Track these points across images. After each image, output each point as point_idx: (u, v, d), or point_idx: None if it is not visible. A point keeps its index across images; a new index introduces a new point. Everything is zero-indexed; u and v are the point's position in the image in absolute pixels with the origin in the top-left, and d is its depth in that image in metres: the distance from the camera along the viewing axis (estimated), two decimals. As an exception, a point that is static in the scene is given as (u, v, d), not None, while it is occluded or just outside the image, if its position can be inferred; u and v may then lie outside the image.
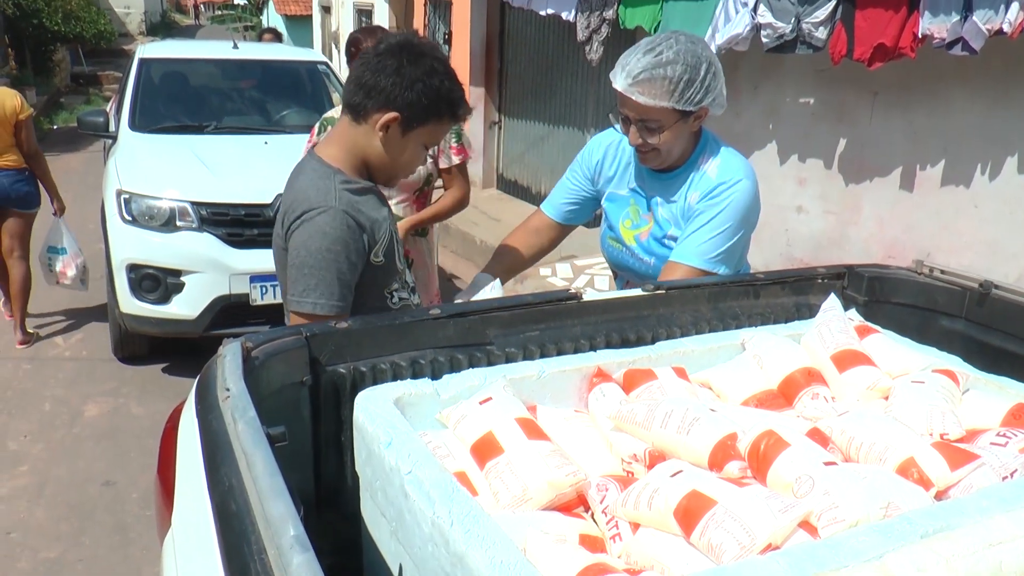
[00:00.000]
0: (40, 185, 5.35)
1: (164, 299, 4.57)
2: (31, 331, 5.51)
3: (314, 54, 7.65)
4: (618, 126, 2.15)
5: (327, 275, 1.76)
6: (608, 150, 2.31)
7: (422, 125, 1.84)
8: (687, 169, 2.14)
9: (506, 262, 2.42)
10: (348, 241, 1.78)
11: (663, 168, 2.14)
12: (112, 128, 5.86)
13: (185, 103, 6.14)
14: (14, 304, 5.37)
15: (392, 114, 1.81)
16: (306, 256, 1.76)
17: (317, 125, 3.52)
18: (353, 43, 3.38)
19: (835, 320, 1.76)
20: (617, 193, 2.29)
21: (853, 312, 1.91)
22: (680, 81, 1.94)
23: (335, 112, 3.34)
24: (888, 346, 1.74)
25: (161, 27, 38.65)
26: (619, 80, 1.99)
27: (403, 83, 1.79)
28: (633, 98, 1.97)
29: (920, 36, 4.09)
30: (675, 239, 2.15)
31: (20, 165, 5.18)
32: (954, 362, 1.70)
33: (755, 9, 4.79)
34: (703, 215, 2.07)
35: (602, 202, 2.36)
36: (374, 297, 1.90)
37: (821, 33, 4.53)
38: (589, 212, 2.45)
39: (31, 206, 5.34)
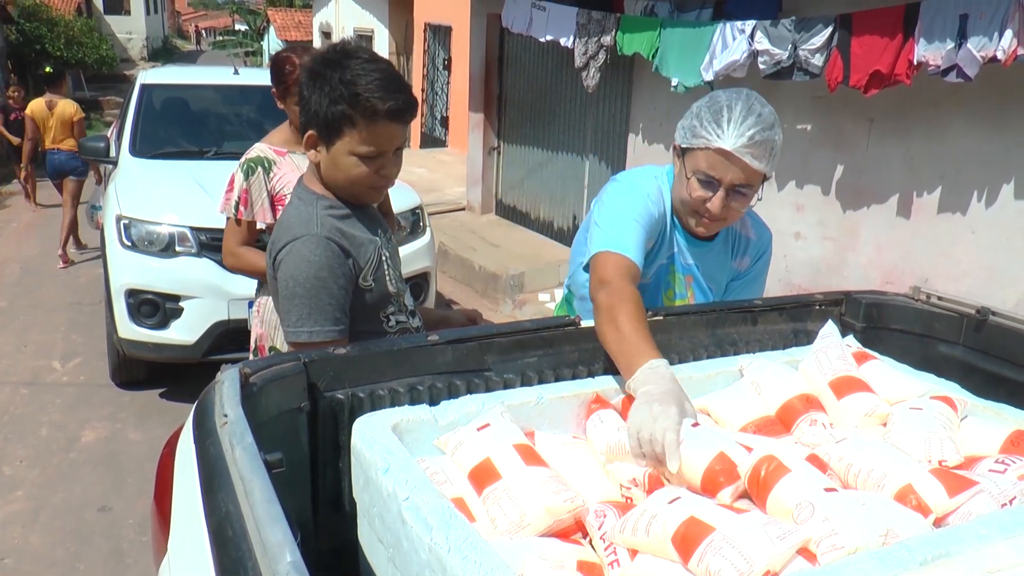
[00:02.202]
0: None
1: (162, 324, 4.57)
2: (71, 252, 8.03)
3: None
4: (663, 183, 2.04)
5: (318, 302, 1.76)
6: (660, 204, 2.05)
7: (339, 135, 1.76)
8: (723, 232, 2.11)
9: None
10: (334, 266, 1.77)
11: (699, 235, 2.06)
12: (113, 153, 5.89)
13: (186, 128, 6.17)
14: (62, 235, 7.94)
15: (308, 132, 1.80)
16: (295, 286, 1.76)
17: (240, 169, 2.82)
18: (285, 62, 2.81)
19: (833, 346, 1.76)
20: (660, 263, 2.10)
21: (851, 338, 1.91)
22: (778, 145, 1.88)
23: (258, 151, 2.84)
24: (886, 372, 1.74)
25: (163, 53, 38.95)
26: (728, 140, 1.83)
27: (308, 98, 1.77)
28: (746, 160, 1.83)
29: (915, 63, 4.13)
30: None
31: (75, 149, 8.21)
32: (952, 388, 1.70)
33: (752, 36, 4.84)
34: (755, 274, 2.20)
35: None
36: (369, 321, 1.90)
37: (818, 60, 4.57)
38: None
39: (83, 175, 8.42)
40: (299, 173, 2.82)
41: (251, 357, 2.95)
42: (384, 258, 1.92)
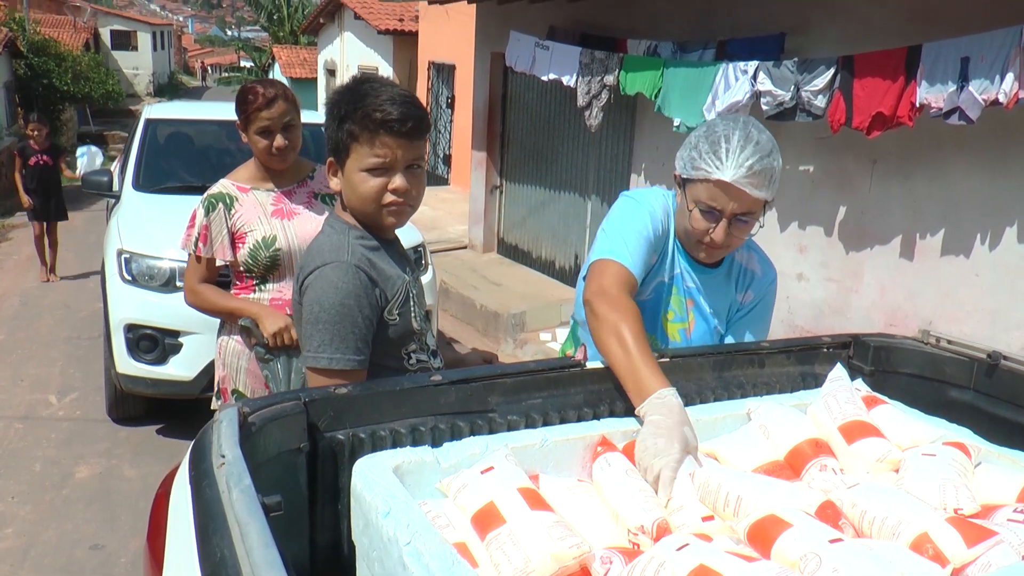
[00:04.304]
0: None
1: (161, 360, 4.54)
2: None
3: (317, 116, 7.73)
4: (680, 210, 2.01)
5: (341, 330, 1.75)
6: (665, 224, 2.07)
7: (348, 154, 1.80)
8: (727, 262, 2.13)
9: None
10: (361, 295, 1.77)
11: (704, 261, 2.08)
12: (116, 187, 5.90)
13: (189, 163, 6.17)
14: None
15: (328, 160, 1.86)
16: (320, 311, 1.75)
17: (203, 205, 2.80)
18: (249, 91, 2.79)
19: (842, 390, 1.74)
20: (662, 282, 2.11)
21: (860, 382, 1.88)
22: (777, 171, 1.90)
23: (221, 187, 2.83)
24: (897, 417, 1.71)
25: (168, 88, 39.38)
26: (727, 171, 1.85)
27: (326, 128, 1.83)
28: (747, 191, 1.86)
29: (918, 105, 4.14)
30: (721, 333, 2.17)
31: None
32: (964, 434, 1.67)
33: (755, 77, 4.86)
34: (756, 312, 2.17)
35: (644, 293, 2.07)
36: (391, 356, 1.88)
37: (820, 101, 4.59)
38: None
39: None
40: (262, 211, 2.79)
41: (215, 401, 2.90)
42: (411, 295, 1.92)
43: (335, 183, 1.87)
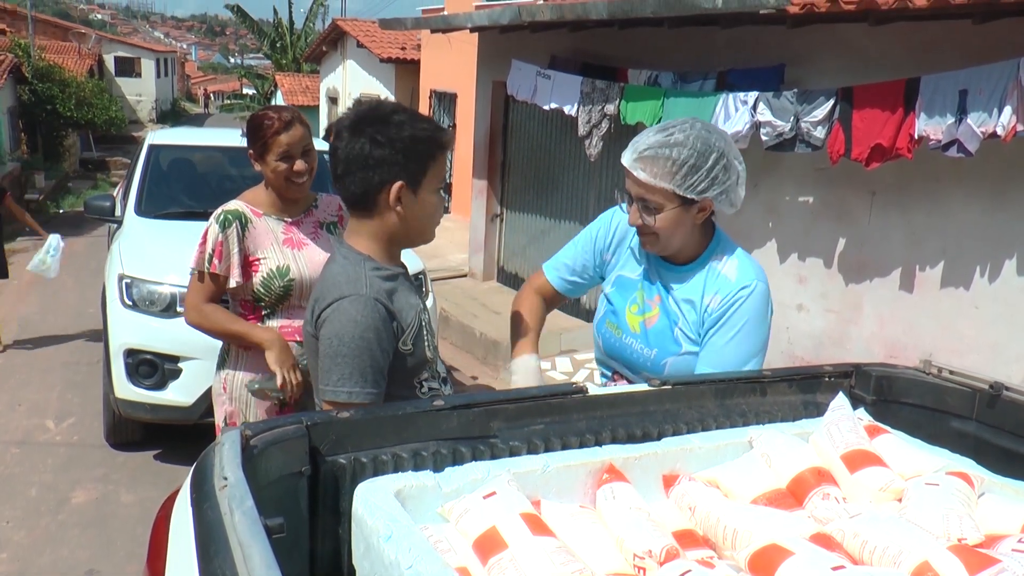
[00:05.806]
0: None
1: (160, 385, 4.53)
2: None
3: (319, 143, 7.77)
4: (623, 204, 2.13)
5: (360, 364, 1.75)
6: (628, 231, 2.22)
7: (424, 175, 1.84)
8: (700, 265, 2.10)
9: (534, 333, 2.32)
10: (379, 328, 1.77)
11: (673, 259, 2.11)
12: (118, 213, 5.91)
13: (192, 189, 6.20)
14: None
15: (397, 184, 1.81)
16: (339, 345, 1.75)
17: (217, 221, 2.73)
18: (263, 117, 2.75)
19: (844, 419, 1.73)
20: (627, 277, 2.22)
21: (862, 411, 1.88)
22: (684, 164, 1.92)
23: (236, 206, 2.77)
24: (899, 447, 1.71)
25: (171, 115, 39.62)
26: (626, 155, 1.99)
27: (386, 152, 1.79)
28: (635, 173, 1.97)
29: (916, 137, 4.17)
30: (686, 335, 2.11)
31: None
32: (967, 464, 1.66)
33: (755, 107, 4.90)
34: (729, 323, 2.05)
35: (607, 287, 2.27)
36: (403, 386, 1.89)
37: (820, 132, 4.62)
38: (586, 289, 2.41)
39: None
40: (274, 238, 2.73)
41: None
42: (424, 323, 1.92)
43: (400, 211, 1.84)
